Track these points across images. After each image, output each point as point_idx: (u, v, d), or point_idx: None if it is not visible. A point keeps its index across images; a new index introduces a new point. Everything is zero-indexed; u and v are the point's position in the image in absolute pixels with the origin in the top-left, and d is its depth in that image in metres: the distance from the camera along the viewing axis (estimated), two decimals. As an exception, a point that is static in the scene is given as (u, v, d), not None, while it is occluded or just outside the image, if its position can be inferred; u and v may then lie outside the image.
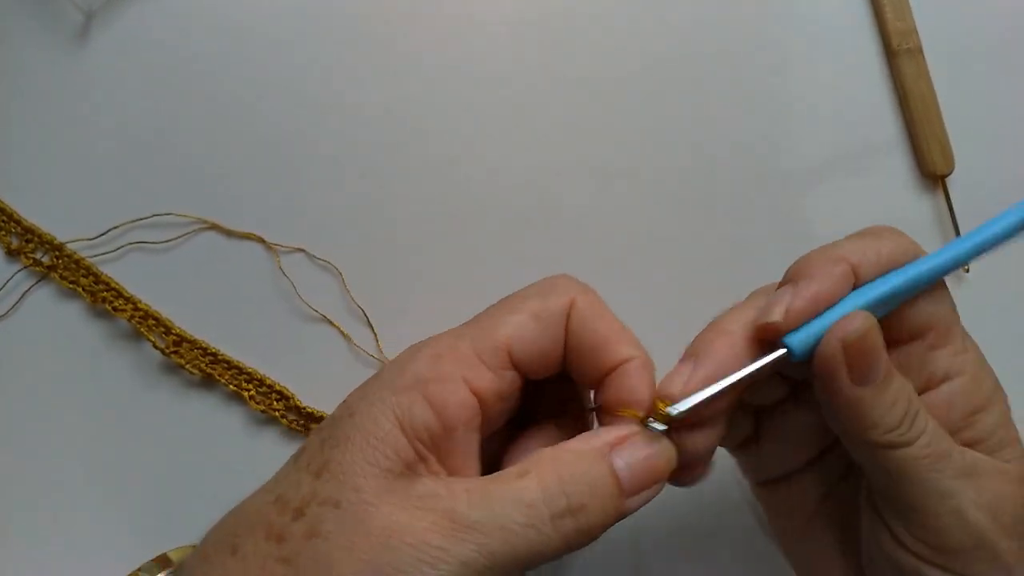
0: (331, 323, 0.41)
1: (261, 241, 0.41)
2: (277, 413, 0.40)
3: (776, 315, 0.27)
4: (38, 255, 0.41)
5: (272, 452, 0.40)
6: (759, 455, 0.33)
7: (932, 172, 0.43)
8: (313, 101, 0.43)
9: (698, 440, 0.28)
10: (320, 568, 0.24)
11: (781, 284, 0.29)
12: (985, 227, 0.29)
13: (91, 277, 0.41)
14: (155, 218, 0.41)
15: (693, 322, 0.30)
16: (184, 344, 0.40)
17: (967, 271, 0.42)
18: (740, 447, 0.34)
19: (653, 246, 0.42)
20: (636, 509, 0.27)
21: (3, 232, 0.41)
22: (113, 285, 0.41)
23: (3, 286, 0.41)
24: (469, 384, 0.27)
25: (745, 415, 0.33)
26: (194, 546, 0.27)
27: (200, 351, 0.40)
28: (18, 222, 0.41)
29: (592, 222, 0.42)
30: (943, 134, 0.43)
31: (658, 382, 0.28)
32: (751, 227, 0.43)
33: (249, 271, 0.41)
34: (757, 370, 0.28)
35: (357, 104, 0.43)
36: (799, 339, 0.28)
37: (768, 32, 0.44)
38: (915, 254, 0.29)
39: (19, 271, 0.41)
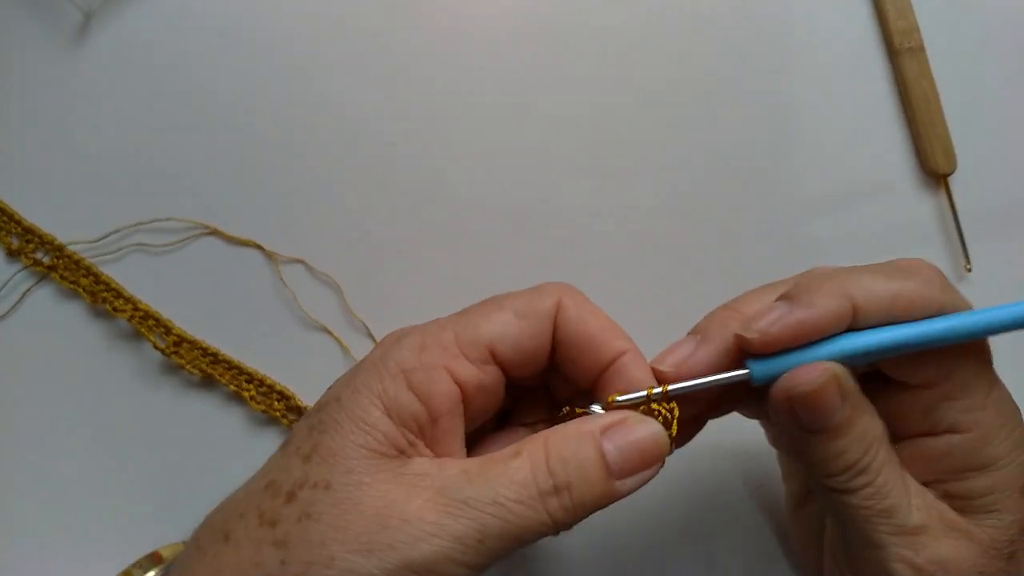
0: (330, 333, 0.41)
1: (260, 248, 0.41)
2: (277, 413, 0.40)
3: (754, 331, 0.27)
4: (38, 255, 0.41)
5: (272, 452, 0.40)
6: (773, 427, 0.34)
7: (934, 171, 0.43)
8: (307, 103, 0.43)
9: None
10: (313, 549, 0.24)
11: (780, 296, 0.28)
12: (1015, 307, 0.27)
13: (91, 277, 0.41)
14: (156, 223, 0.41)
15: (691, 322, 0.30)
16: (184, 344, 0.40)
17: (969, 270, 0.42)
18: (764, 420, 0.33)
19: (652, 247, 0.42)
20: (628, 492, 0.27)
21: (3, 232, 0.41)
22: (113, 285, 0.41)
23: (3, 286, 0.41)
24: (452, 374, 0.27)
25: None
26: (185, 543, 0.27)
27: (200, 351, 0.40)
28: (18, 222, 0.41)
29: (595, 233, 0.42)
30: (945, 133, 0.43)
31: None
32: (750, 226, 0.42)
33: (249, 279, 0.41)
34: (706, 384, 0.27)
35: (356, 108, 0.43)
36: (762, 368, 0.27)
37: (769, 31, 0.44)
38: (941, 305, 0.27)
39: (19, 271, 0.41)
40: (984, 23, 0.44)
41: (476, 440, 0.30)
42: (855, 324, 0.27)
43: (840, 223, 0.43)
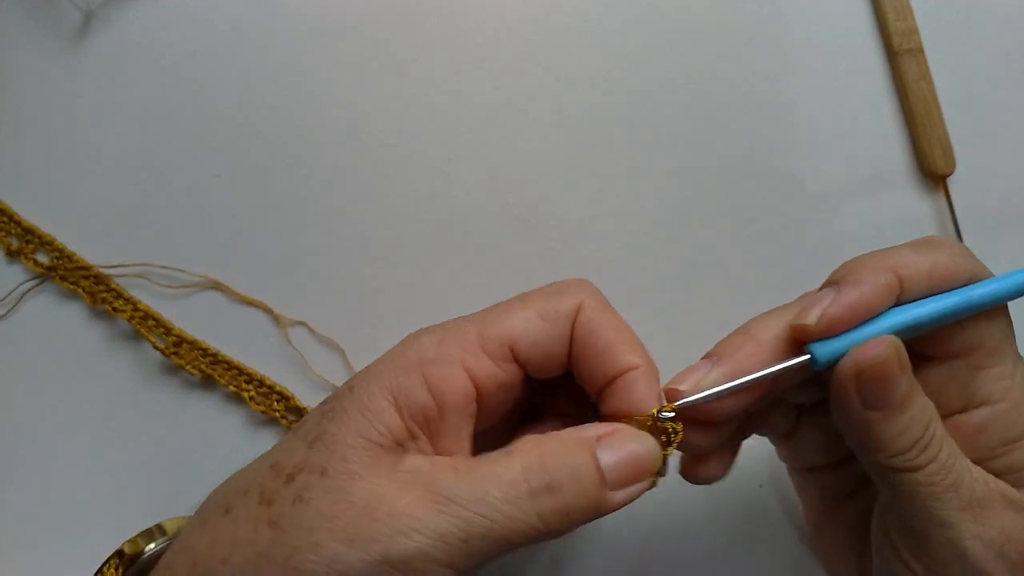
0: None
1: (269, 311, 0.41)
2: (277, 413, 0.40)
3: (811, 318, 0.27)
4: (38, 256, 0.41)
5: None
6: (794, 445, 0.34)
7: (933, 172, 0.43)
8: (305, 103, 0.43)
9: (700, 438, 0.28)
10: (301, 532, 0.25)
11: (825, 284, 0.29)
12: None
13: (91, 278, 0.41)
14: (165, 270, 0.41)
15: (691, 323, 0.30)
16: (184, 344, 0.40)
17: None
18: (780, 439, 0.34)
19: (652, 247, 0.42)
20: (619, 506, 0.27)
21: (3, 233, 0.41)
22: (113, 286, 0.41)
23: (3, 288, 0.41)
24: (469, 370, 0.27)
25: (788, 411, 0.33)
26: (188, 518, 0.27)
27: (200, 352, 0.40)
28: (18, 223, 0.41)
29: (596, 234, 0.42)
30: (944, 134, 0.43)
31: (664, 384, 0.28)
32: (750, 227, 0.42)
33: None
34: (774, 372, 0.27)
35: (354, 109, 0.43)
36: (825, 350, 0.27)
37: (768, 32, 0.44)
38: (971, 273, 0.28)
39: (19, 272, 0.41)
40: (983, 24, 0.44)
41: (497, 437, 0.30)
42: (899, 299, 0.28)
43: (839, 224, 0.43)
